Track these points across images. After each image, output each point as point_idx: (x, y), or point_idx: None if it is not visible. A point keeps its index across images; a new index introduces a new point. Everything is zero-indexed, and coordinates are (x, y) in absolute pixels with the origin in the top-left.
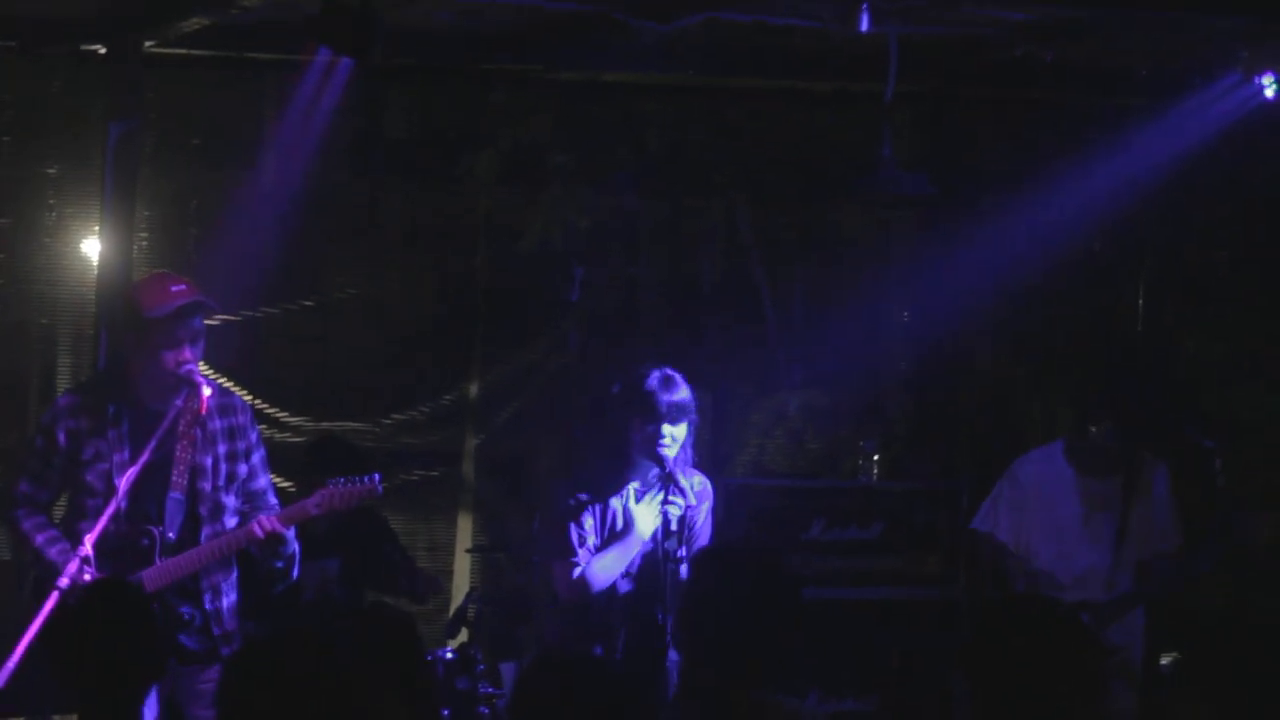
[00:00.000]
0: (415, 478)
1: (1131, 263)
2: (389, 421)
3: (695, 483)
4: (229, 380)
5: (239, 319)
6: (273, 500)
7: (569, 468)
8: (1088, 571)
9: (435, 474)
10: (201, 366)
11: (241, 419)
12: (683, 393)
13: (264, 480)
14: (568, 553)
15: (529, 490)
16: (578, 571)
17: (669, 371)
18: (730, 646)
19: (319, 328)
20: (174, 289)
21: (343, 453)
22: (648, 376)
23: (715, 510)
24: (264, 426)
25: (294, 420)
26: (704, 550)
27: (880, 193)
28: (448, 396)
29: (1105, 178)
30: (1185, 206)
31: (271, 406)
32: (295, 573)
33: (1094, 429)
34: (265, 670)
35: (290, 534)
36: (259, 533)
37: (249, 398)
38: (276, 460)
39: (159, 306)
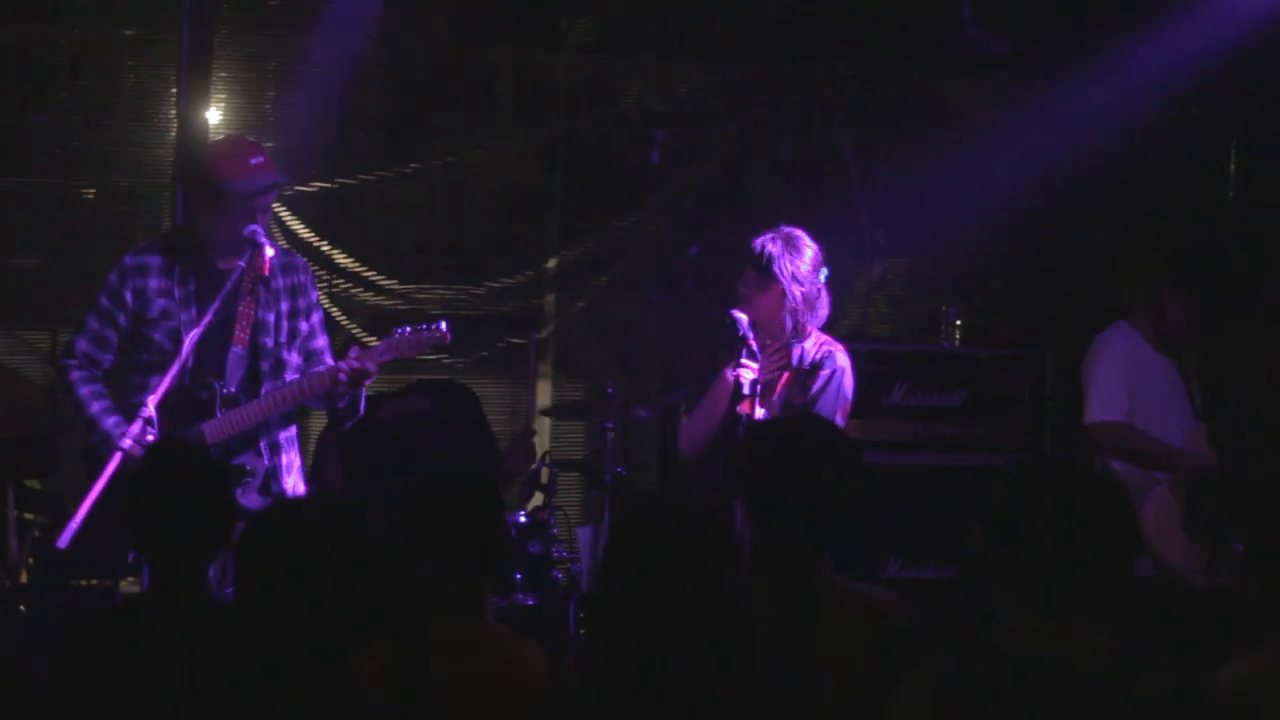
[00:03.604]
0: (509, 344)
1: (1223, 128)
2: (489, 286)
3: (813, 350)
4: (325, 243)
5: (334, 186)
6: (329, 360)
7: (659, 333)
8: (1192, 436)
9: (526, 339)
10: (299, 226)
11: (303, 277)
12: (756, 251)
13: (323, 340)
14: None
15: (624, 354)
16: (682, 430)
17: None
18: (788, 511)
19: (417, 193)
20: (253, 161)
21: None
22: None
23: (842, 383)
24: (358, 289)
25: (387, 283)
26: (770, 423)
27: (960, 53)
28: (546, 261)
29: (1198, 37)
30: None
31: (367, 269)
32: (363, 406)
33: (1168, 307)
34: (281, 531)
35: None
36: (343, 375)
37: (345, 260)
38: (367, 322)
39: (237, 179)
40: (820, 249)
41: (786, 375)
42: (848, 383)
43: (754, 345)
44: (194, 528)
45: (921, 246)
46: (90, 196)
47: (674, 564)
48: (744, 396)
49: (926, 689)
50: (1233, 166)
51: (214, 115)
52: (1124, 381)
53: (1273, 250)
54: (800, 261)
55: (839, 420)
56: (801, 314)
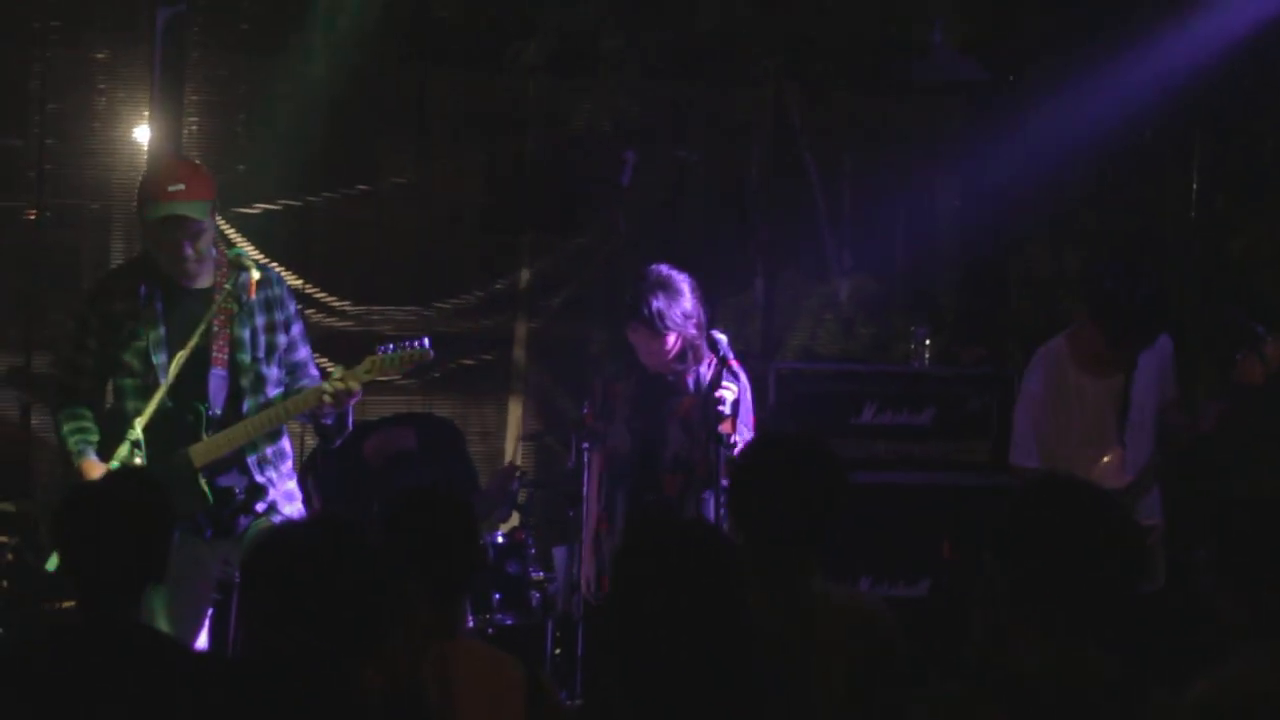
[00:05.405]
0: (468, 364)
1: (1183, 151)
2: (442, 307)
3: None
4: (280, 266)
5: (299, 204)
6: (314, 372)
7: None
8: (1105, 467)
9: (487, 359)
10: (251, 250)
11: (279, 290)
12: (645, 313)
13: (304, 352)
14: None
15: (580, 375)
16: None
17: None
18: (781, 525)
19: (371, 215)
20: (170, 189)
21: None
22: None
23: (748, 397)
24: (314, 311)
25: (343, 305)
26: (755, 440)
27: (931, 78)
28: (499, 282)
29: (1159, 62)
30: (1238, 92)
31: (323, 292)
32: (350, 422)
33: (1085, 331)
34: (286, 550)
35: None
36: (328, 396)
37: (299, 283)
38: (328, 345)
39: (152, 207)
40: (690, 277)
41: (688, 400)
42: (750, 396)
43: (735, 365)
44: (126, 565)
45: (871, 267)
46: (32, 218)
47: (687, 582)
48: (724, 417)
49: (940, 714)
50: (1195, 187)
51: (184, 137)
52: (1037, 423)
53: (1236, 269)
54: (684, 302)
55: (747, 431)
56: (697, 341)
